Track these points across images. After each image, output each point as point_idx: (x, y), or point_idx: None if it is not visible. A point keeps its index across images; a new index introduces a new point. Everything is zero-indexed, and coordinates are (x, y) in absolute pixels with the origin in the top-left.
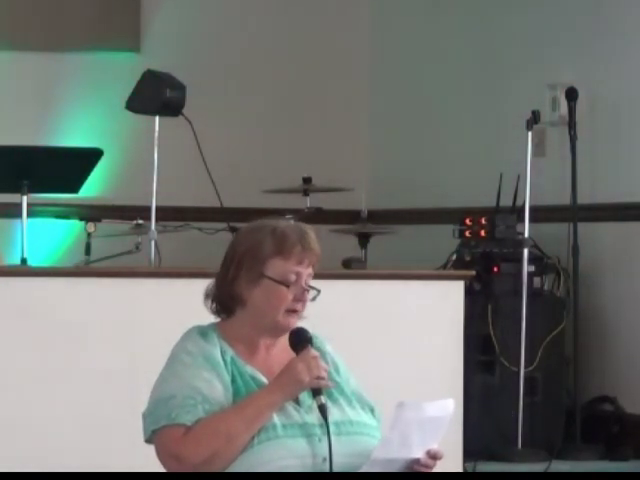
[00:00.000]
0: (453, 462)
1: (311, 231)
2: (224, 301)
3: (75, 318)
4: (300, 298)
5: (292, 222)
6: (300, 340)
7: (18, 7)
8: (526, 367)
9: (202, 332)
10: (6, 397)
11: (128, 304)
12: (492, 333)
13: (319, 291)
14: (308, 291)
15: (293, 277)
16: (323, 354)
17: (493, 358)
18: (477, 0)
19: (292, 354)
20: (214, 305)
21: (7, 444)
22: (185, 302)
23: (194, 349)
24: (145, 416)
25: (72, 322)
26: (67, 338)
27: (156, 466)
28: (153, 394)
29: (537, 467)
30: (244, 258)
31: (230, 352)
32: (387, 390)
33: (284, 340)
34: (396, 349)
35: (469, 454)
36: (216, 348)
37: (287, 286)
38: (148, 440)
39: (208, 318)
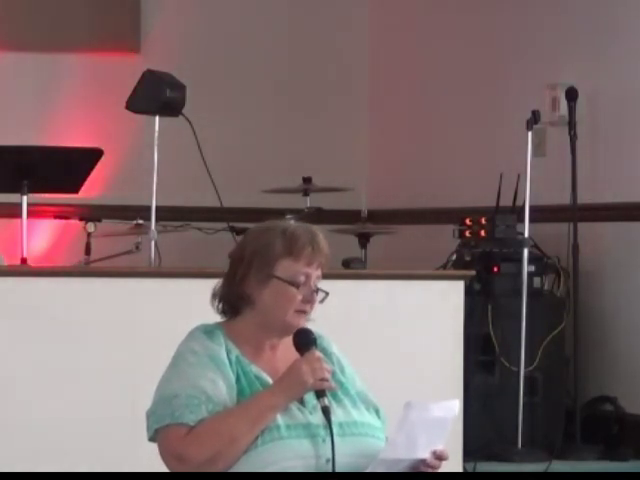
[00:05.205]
0: (453, 462)
1: (320, 232)
2: (232, 301)
3: (75, 318)
4: (309, 299)
5: (300, 223)
6: (304, 341)
7: (18, 7)
8: (526, 367)
9: (207, 331)
10: (6, 397)
11: (128, 304)
12: (492, 333)
13: (327, 293)
14: (317, 292)
15: (302, 278)
16: (328, 355)
17: (493, 358)
18: (477, 0)
19: (297, 354)
20: (221, 305)
21: (7, 444)
22: (185, 302)
23: (199, 348)
24: (149, 415)
25: (72, 322)
26: (67, 338)
27: (157, 466)
28: (157, 393)
29: (537, 467)
30: (254, 258)
31: (235, 352)
32: (387, 390)
33: (289, 340)
34: (396, 349)
35: (469, 454)
36: (221, 347)
37: (297, 287)
38: (151, 439)
39: (208, 318)
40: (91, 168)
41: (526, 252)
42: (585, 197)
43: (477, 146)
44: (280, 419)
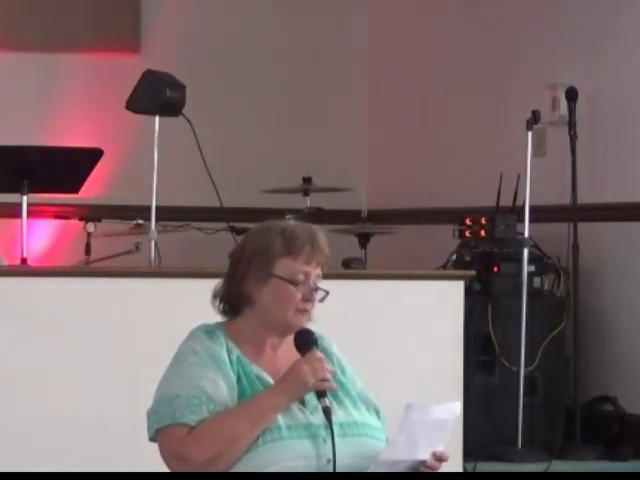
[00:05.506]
0: (453, 462)
1: (321, 232)
2: (232, 301)
3: (75, 318)
4: (309, 298)
5: (300, 222)
6: (305, 341)
7: (18, 7)
8: (526, 367)
9: (208, 331)
10: (5, 397)
11: (128, 304)
12: (492, 333)
13: (327, 292)
14: (316, 291)
15: (301, 277)
16: (329, 355)
17: (493, 358)
18: (477, 0)
19: (298, 354)
20: (222, 305)
21: (7, 444)
22: (185, 302)
23: (200, 348)
24: (149, 414)
25: (72, 322)
26: (67, 338)
27: (157, 466)
28: (158, 392)
29: (537, 467)
30: (253, 258)
31: (236, 352)
32: (387, 390)
33: (290, 340)
34: (396, 349)
35: (469, 454)
36: (222, 347)
37: (295, 285)
38: (152, 439)
39: (208, 318)
40: (91, 168)
41: (526, 252)
42: (585, 197)
43: (477, 146)
44: (281, 419)
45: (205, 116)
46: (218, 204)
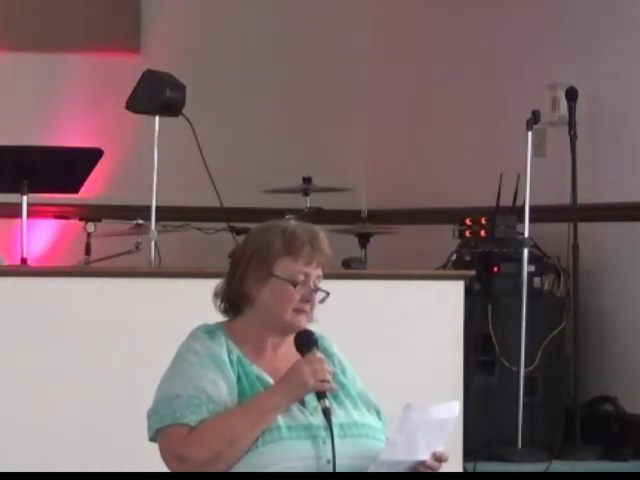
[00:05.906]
0: (453, 462)
1: (322, 232)
2: (233, 300)
3: (74, 318)
4: (308, 299)
5: (302, 223)
6: (305, 342)
7: (18, 7)
8: (526, 367)
9: (209, 331)
10: (5, 397)
11: (128, 304)
12: (492, 333)
13: (328, 293)
14: (316, 292)
15: (301, 277)
16: (330, 355)
17: (493, 358)
18: (477, 0)
19: (299, 354)
20: (223, 304)
21: (7, 444)
22: (185, 302)
23: (200, 348)
24: (150, 414)
25: (72, 322)
26: (67, 338)
27: (157, 466)
28: (158, 392)
29: (537, 467)
30: (253, 257)
31: (236, 352)
32: (387, 390)
33: (291, 340)
34: (396, 349)
35: (469, 454)
36: (222, 348)
37: (294, 285)
38: (152, 439)
39: (208, 318)
40: (91, 168)
41: (526, 252)
42: (585, 197)
43: (477, 146)
44: (281, 420)
45: (205, 116)
46: (218, 204)
